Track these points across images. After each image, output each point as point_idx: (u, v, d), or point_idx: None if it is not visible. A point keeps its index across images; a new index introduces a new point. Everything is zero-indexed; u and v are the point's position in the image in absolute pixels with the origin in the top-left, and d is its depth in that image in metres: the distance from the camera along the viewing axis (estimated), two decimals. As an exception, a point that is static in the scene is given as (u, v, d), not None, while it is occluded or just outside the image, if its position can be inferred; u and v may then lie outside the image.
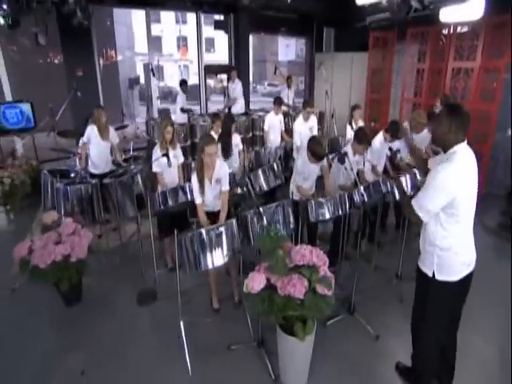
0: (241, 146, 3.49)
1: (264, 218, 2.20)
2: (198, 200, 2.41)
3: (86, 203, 3.13)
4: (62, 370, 2.08)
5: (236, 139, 3.42)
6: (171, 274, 2.97)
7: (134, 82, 10.33)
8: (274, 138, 4.44)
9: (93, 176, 3.51)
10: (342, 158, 2.33)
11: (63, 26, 4.77)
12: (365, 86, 6.94)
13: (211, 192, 2.46)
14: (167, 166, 2.78)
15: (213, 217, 2.47)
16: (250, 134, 5.71)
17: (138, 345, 2.31)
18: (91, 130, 3.43)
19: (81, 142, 3.56)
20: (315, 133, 4.03)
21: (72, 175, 3.60)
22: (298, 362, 1.92)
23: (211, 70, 6.83)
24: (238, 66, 6.75)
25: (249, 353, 2.14)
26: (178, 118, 5.44)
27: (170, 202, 2.69)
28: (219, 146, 3.28)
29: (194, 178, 2.41)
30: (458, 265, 1.70)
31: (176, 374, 2.05)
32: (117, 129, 5.00)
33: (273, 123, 4.41)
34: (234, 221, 2.17)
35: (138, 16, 18.74)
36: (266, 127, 4.47)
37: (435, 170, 1.63)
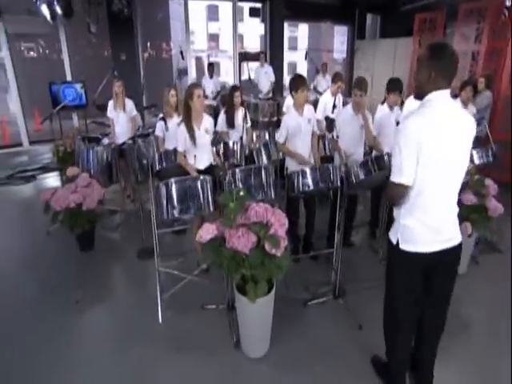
0: (249, 123, 3.52)
1: (238, 181, 2.25)
2: (181, 148, 2.54)
3: (104, 165, 3.55)
4: (63, 298, 2.46)
5: (241, 113, 3.43)
6: (174, 236, 3.26)
7: (182, 72, 11.04)
8: None
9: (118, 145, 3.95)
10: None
11: (111, 15, 5.38)
12: (409, 75, 6.37)
13: (202, 139, 2.56)
14: (164, 129, 3.00)
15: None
16: (275, 118, 5.74)
17: (126, 290, 2.64)
18: (111, 103, 3.83)
19: (108, 114, 4.01)
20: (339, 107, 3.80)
21: (104, 142, 4.11)
22: (254, 325, 1.91)
23: (246, 58, 6.99)
24: (271, 54, 6.78)
25: (219, 314, 2.21)
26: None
27: (165, 164, 2.90)
28: (224, 116, 3.45)
29: (182, 127, 2.51)
30: (422, 235, 1.46)
31: (148, 319, 2.24)
32: (147, 107, 5.51)
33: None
34: (209, 177, 2.25)
35: (194, 13, 19.93)
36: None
37: (402, 123, 1.40)
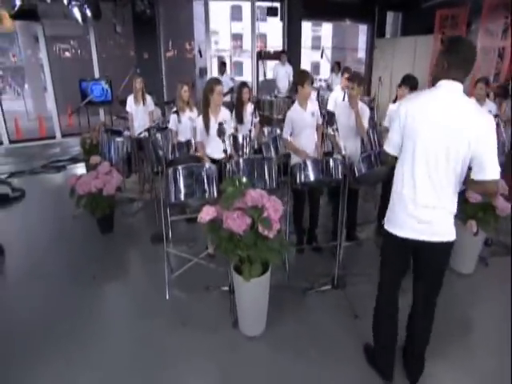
0: (256, 119, 3.64)
1: (241, 169, 2.38)
2: (199, 137, 2.75)
3: (124, 155, 3.83)
4: (83, 273, 2.73)
5: (250, 108, 3.57)
6: (186, 224, 3.46)
7: (204, 71, 11.39)
8: None
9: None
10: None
11: (135, 16, 5.71)
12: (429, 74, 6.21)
13: (215, 131, 2.70)
14: (177, 122, 3.19)
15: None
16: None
17: (139, 269, 2.89)
18: (130, 98, 4.10)
19: (127, 109, 4.28)
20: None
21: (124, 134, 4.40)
22: (249, 305, 2.03)
23: (263, 56, 7.12)
24: (289, 53, 6.86)
25: (221, 296, 2.35)
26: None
27: (178, 154, 3.10)
28: (234, 112, 3.59)
29: (200, 118, 2.73)
30: (400, 217, 1.50)
31: (157, 295, 2.44)
32: (167, 102, 5.77)
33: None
34: (214, 166, 2.41)
35: (217, 13, 20.35)
36: None
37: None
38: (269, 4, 6.94)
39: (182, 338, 2.06)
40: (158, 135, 3.80)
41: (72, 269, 2.82)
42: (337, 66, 6.02)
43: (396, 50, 6.90)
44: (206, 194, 2.37)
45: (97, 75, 6.46)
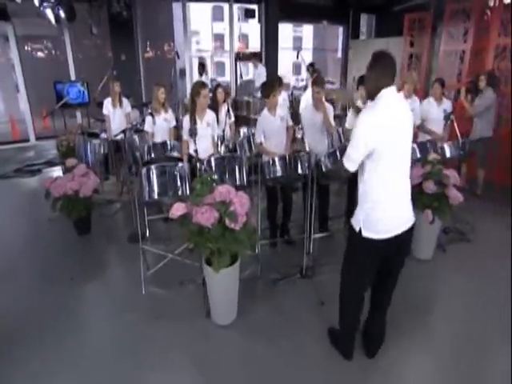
0: (231, 119, 3.75)
1: (213, 168, 2.49)
2: (185, 137, 2.86)
3: (101, 158, 3.85)
4: (61, 274, 2.76)
5: (224, 109, 3.65)
6: (164, 223, 3.50)
7: (183, 73, 11.37)
8: None
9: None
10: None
11: (112, 17, 5.69)
12: (400, 73, 6.51)
13: (203, 131, 2.85)
14: (152, 123, 3.26)
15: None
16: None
17: (116, 268, 2.94)
18: (107, 100, 4.12)
19: (103, 112, 4.29)
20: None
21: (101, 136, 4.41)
22: (220, 294, 2.14)
23: (241, 58, 7.25)
24: (266, 54, 7.01)
25: (195, 289, 2.45)
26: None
27: (153, 155, 3.17)
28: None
29: (187, 119, 2.84)
30: (383, 221, 1.61)
31: (133, 291, 2.52)
32: (145, 104, 5.78)
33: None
34: (187, 165, 2.50)
35: (198, 13, 20.30)
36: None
37: (358, 117, 1.62)
38: (247, 6, 7.06)
39: (157, 331, 2.14)
40: (135, 137, 3.87)
41: (48, 270, 2.83)
42: (311, 68, 6.21)
43: (369, 51, 7.13)
44: (179, 192, 2.46)
45: (73, 77, 6.37)
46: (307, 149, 2.39)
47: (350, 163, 1.63)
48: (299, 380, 1.83)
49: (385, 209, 1.62)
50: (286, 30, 19.45)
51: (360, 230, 1.65)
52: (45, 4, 4.80)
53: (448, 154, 3.34)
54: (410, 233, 1.71)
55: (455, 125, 3.33)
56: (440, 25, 5.70)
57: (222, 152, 3.25)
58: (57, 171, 5.44)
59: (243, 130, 3.95)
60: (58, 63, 8.14)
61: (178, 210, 2.02)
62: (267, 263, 2.76)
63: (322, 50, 22.22)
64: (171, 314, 2.28)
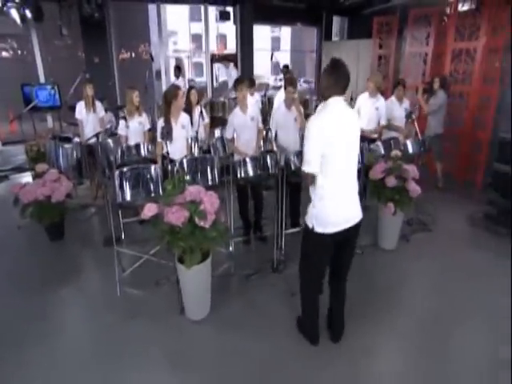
0: (205, 120, 3.81)
1: (185, 169, 2.56)
2: (159, 139, 2.88)
3: (74, 163, 3.79)
4: (31, 281, 2.73)
5: (198, 111, 3.69)
6: (139, 225, 3.46)
7: (159, 74, 11.25)
8: None
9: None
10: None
11: (83, 19, 5.58)
12: (369, 74, 6.80)
13: (178, 133, 2.89)
14: (125, 127, 3.28)
15: None
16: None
17: (91, 271, 2.92)
18: (79, 104, 4.07)
19: (76, 116, 4.22)
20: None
21: (74, 140, 4.33)
22: (192, 290, 2.22)
23: (216, 59, 7.30)
24: (242, 55, 7.12)
25: (170, 288, 2.50)
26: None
27: (127, 158, 3.19)
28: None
29: (161, 121, 2.88)
30: (331, 217, 1.76)
31: (109, 293, 2.54)
32: (120, 107, 5.72)
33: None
34: (158, 166, 2.55)
35: (176, 13, 20.07)
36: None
37: (308, 121, 1.75)
38: (222, 8, 7.12)
39: (132, 330, 2.19)
40: (109, 140, 3.85)
41: (20, 277, 2.78)
42: (285, 69, 6.37)
43: (341, 52, 7.44)
44: (152, 194, 2.51)
45: (42, 79, 6.18)
46: (275, 149, 2.50)
47: (306, 165, 1.75)
48: (271, 368, 1.93)
49: (334, 206, 1.77)
50: (264, 32, 19.66)
51: (313, 227, 1.80)
52: (9, 4, 4.65)
53: (410, 150, 3.59)
54: (357, 228, 1.86)
55: (415, 123, 3.58)
56: (405, 28, 6.02)
57: (196, 153, 3.31)
58: (26, 177, 5.28)
59: (217, 131, 4.02)
60: (25, 64, 7.83)
61: (149, 210, 2.07)
62: (241, 260, 2.86)
63: (300, 51, 22.65)
64: (146, 313, 2.33)
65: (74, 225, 3.63)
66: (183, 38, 22.63)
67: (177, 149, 2.93)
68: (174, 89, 2.95)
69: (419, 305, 2.46)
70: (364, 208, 3.88)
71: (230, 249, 2.84)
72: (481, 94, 4.78)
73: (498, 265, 2.94)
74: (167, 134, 2.69)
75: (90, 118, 4.13)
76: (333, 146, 1.70)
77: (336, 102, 1.74)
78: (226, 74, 6.22)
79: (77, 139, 4.31)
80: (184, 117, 3.06)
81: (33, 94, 5.71)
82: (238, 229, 3.22)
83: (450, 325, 2.27)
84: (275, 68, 20.06)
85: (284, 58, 20.67)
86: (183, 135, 3.05)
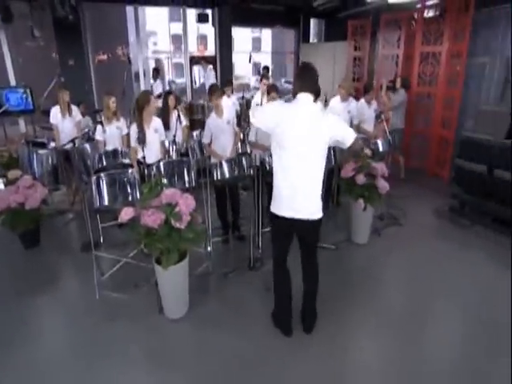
0: (183, 124, 3.86)
1: (162, 172, 2.61)
2: (133, 144, 2.93)
3: (49, 169, 3.73)
4: (5, 290, 2.69)
5: (175, 115, 3.74)
6: (118, 229, 3.48)
7: (138, 76, 11.11)
8: None
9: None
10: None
11: (57, 21, 5.45)
12: (345, 75, 7.04)
13: (151, 138, 2.93)
14: (102, 132, 3.28)
15: None
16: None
17: (70, 277, 2.91)
18: (54, 109, 4.00)
19: (51, 121, 4.15)
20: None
21: (49, 146, 4.25)
22: (170, 290, 2.27)
23: (195, 61, 7.33)
24: (221, 57, 7.17)
25: (149, 290, 2.53)
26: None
27: (105, 163, 3.20)
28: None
29: (134, 127, 2.90)
30: (280, 200, 1.92)
31: (88, 297, 2.55)
32: (97, 111, 5.65)
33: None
34: (135, 171, 2.59)
35: (155, 13, 19.78)
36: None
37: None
38: (200, 10, 7.13)
39: (111, 332, 2.22)
40: (86, 145, 3.81)
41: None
42: (265, 70, 6.49)
43: (319, 54, 7.66)
44: (129, 198, 2.54)
45: (12, 82, 5.97)
46: (248, 150, 2.60)
47: (253, 118, 1.98)
48: (248, 362, 2.01)
49: (282, 190, 1.92)
50: (245, 33, 19.75)
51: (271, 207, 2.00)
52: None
53: (381, 149, 3.78)
54: (312, 225, 1.95)
55: (384, 123, 3.78)
56: (378, 31, 6.28)
57: (174, 156, 3.36)
58: (-3, 184, 5.11)
59: (195, 134, 4.08)
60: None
61: (126, 214, 2.12)
62: (219, 259, 2.94)
63: (280, 52, 22.95)
64: (125, 314, 2.36)
65: (51, 231, 3.59)
66: (163, 39, 22.34)
67: (152, 153, 2.97)
68: (146, 94, 3.00)
69: (391, 295, 2.62)
70: (338, 205, 4.03)
71: (209, 249, 2.92)
72: (446, 95, 5.08)
73: (462, 254, 3.18)
74: (142, 138, 2.73)
75: (65, 123, 4.07)
76: (287, 136, 1.83)
77: (303, 97, 1.87)
78: (205, 76, 6.25)
79: (52, 144, 4.23)
80: (156, 121, 3.10)
81: (3, 97, 5.53)
82: (216, 229, 3.30)
83: (421, 311, 2.42)
84: (255, 68, 20.26)
85: (265, 59, 20.88)
86: (157, 139, 3.09)
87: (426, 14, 5.28)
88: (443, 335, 2.23)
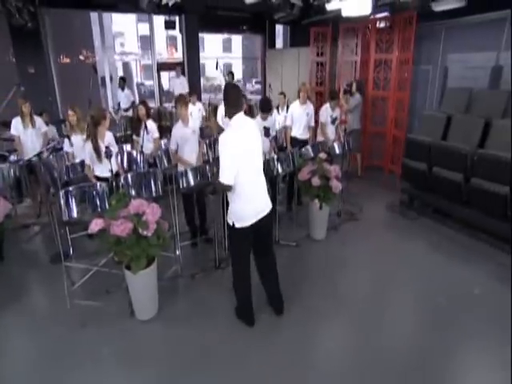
0: (156, 134, 3.98)
1: (130, 183, 2.75)
2: (88, 161, 3.03)
3: (12, 182, 3.68)
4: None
5: (149, 125, 3.90)
6: (88, 239, 3.44)
7: (104, 81, 10.85)
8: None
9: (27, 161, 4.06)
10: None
11: (14, 28, 5.29)
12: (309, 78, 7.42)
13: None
14: (70, 145, 3.36)
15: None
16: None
17: (39, 289, 2.97)
18: (15, 120, 3.96)
19: (12, 132, 4.06)
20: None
21: (10, 159, 4.17)
22: (140, 293, 2.43)
23: (163, 67, 7.38)
24: (188, 62, 7.29)
25: (120, 295, 2.64)
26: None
27: (72, 175, 3.28)
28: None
29: (89, 143, 2.98)
30: (245, 213, 2.15)
31: (59, 307, 2.62)
32: (62, 121, 5.56)
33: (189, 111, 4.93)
34: (105, 183, 2.72)
35: (119, 15, 19.20)
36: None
37: (221, 137, 2.10)
38: (167, 17, 7.17)
39: (82, 338, 2.33)
40: (51, 157, 3.81)
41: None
42: (230, 75, 6.67)
43: (284, 59, 8.00)
44: (98, 209, 2.66)
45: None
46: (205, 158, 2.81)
47: (224, 178, 2.07)
48: (214, 351, 2.23)
49: (246, 204, 2.16)
50: (216, 36, 19.77)
51: (233, 223, 2.18)
52: None
53: (337, 151, 4.15)
54: (269, 216, 2.28)
55: (339, 127, 4.15)
56: (338, 38, 6.71)
57: (142, 166, 3.49)
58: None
59: (163, 142, 4.21)
60: None
61: (96, 225, 2.25)
62: (188, 261, 3.13)
63: (250, 58, 23.35)
64: (97, 320, 2.48)
65: (15, 246, 3.56)
66: (131, 40, 21.76)
67: (105, 167, 2.99)
68: (102, 112, 3.10)
69: (347, 283, 2.93)
70: (300, 204, 4.33)
71: (177, 252, 3.09)
72: (396, 98, 5.59)
73: (406, 244, 3.60)
74: (106, 150, 2.83)
75: (28, 134, 4.03)
76: (242, 156, 2.08)
77: (239, 118, 2.14)
78: (174, 83, 6.33)
79: (13, 157, 4.16)
80: (109, 135, 3.20)
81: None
82: (185, 233, 3.47)
83: (374, 296, 2.75)
84: (226, 70, 20.44)
85: (236, 63, 21.10)
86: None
87: (378, 25, 5.75)
88: (394, 317, 2.55)
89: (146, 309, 2.49)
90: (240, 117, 2.15)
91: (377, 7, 5.05)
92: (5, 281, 3.04)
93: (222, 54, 21.36)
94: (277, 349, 2.25)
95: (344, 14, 4.82)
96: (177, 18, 7.32)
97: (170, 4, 4.20)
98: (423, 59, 5.53)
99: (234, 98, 2.14)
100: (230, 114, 2.15)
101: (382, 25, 5.80)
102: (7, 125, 4.76)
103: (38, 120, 4.11)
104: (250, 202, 2.17)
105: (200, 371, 2.10)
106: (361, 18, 5.49)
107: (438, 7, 4.39)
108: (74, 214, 2.60)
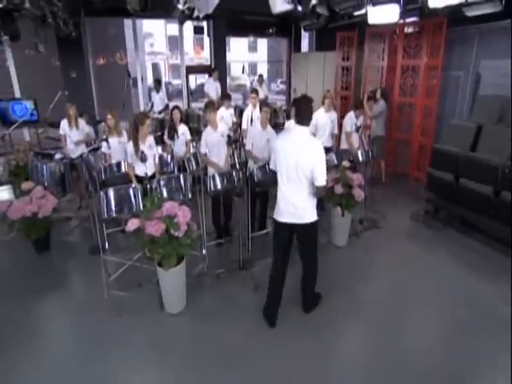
0: (188, 137, 4.24)
1: (162, 186, 2.97)
2: (129, 160, 3.28)
3: (58, 178, 4.06)
4: (22, 291, 3.02)
5: (182, 128, 4.16)
6: (121, 234, 3.78)
7: (136, 82, 11.38)
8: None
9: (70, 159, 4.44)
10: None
11: (60, 37, 5.77)
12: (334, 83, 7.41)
13: (147, 153, 3.20)
14: (108, 147, 3.64)
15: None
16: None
17: (79, 278, 3.28)
18: (63, 122, 4.35)
19: (60, 132, 4.48)
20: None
21: (56, 157, 4.58)
22: (170, 288, 2.64)
23: (191, 71, 7.66)
24: (216, 66, 7.51)
25: (151, 288, 2.86)
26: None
27: (109, 175, 3.56)
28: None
29: (130, 144, 3.26)
30: (279, 209, 2.41)
31: (97, 296, 2.90)
32: (100, 121, 5.97)
33: (221, 115, 5.12)
34: (139, 185, 2.95)
35: (149, 21, 19.94)
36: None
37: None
38: (196, 23, 7.45)
39: (119, 326, 2.58)
40: (91, 157, 4.14)
41: (9, 287, 3.06)
42: (260, 78, 6.81)
43: (309, 63, 8.03)
44: (134, 209, 2.90)
45: (17, 94, 6.28)
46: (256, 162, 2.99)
47: (272, 163, 2.48)
48: (235, 348, 2.38)
49: (279, 200, 2.43)
50: (243, 39, 20.06)
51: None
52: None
53: (361, 159, 4.16)
54: (304, 229, 2.40)
55: (363, 136, 4.16)
56: (364, 43, 6.65)
57: (172, 169, 3.72)
58: (2, 190, 5.39)
59: (193, 145, 4.43)
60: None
61: (132, 224, 2.48)
62: (213, 261, 3.30)
63: (277, 61, 23.41)
64: (131, 310, 2.72)
65: (60, 237, 3.93)
66: (160, 40, 22.54)
67: (147, 166, 3.22)
68: (142, 117, 3.34)
69: (367, 290, 2.97)
70: (321, 209, 4.42)
71: (204, 252, 3.28)
72: (424, 105, 5.47)
73: (430, 254, 3.56)
74: (142, 156, 3.06)
75: (73, 134, 4.40)
76: (280, 159, 2.33)
77: (297, 130, 2.33)
78: (209, 86, 6.55)
79: (59, 155, 4.56)
80: (150, 139, 3.45)
81: (9, 109, 5.85)
82: (211, 233, 3.66)
83: (394, 305, 2.79)
84: (251, 70, 20.66)
85: (261, 67, 21.26)
86: (151, 154, 3.42)
87: (406, 30, 5.65)
88: (414, 328, 2.59)
89: (175, 303, 2.69)
90: (292, 126, 2.38)
91: (405, 12, 4.98)
92: (51, 268, 3.39)
93: (248, 54, 21.61)
94: (298, 350, 2.36)
95: (370, 21, 4.79)
96: (205, 23, 7.59)
97: (201, 16, 4.41)
98: (454, 64, 5.37)
99: (300, 108, 2.32)
100: (297, 121, 2.33)
101: (411, 30, 5.70)
102: (54, 125, 5.22)
103: (82, 122, 4.47)
104: (281, 201, 2.42)
105: (222, 365, 2.26)
106: (387, 25, 5.45)
107: (471, 12, 4.25)
108: (113, 214, 2.86)
